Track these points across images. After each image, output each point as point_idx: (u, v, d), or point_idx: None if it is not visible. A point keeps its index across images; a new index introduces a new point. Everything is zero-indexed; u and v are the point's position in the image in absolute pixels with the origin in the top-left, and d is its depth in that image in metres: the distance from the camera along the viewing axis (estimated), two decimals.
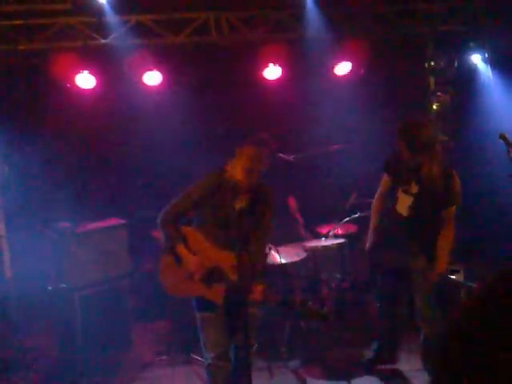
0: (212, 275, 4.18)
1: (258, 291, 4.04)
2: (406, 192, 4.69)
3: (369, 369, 5.29)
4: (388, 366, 5.29)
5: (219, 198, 4.22)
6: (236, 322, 4.25)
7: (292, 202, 6.61)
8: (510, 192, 5.05)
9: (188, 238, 4.28)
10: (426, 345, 4.85)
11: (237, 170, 4.14)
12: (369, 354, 5.37)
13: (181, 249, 4.21)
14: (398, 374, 5.24)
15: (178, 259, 4.23)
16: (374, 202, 5.03)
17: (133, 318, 6.19)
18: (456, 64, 7.42)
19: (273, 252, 5.75)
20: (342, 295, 6.02)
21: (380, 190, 5.00)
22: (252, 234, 4.21)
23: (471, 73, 7.39)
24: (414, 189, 4.66)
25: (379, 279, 5.09)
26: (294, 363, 5.59)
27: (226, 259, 4.15)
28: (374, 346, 5.30)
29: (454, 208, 4.65)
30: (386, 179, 4.94)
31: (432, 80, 7.59)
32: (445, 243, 4.66)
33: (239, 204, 4.25)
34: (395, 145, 4.65)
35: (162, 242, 4.35)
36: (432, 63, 7.50)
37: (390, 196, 4.89)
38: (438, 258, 4.64)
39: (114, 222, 6.09)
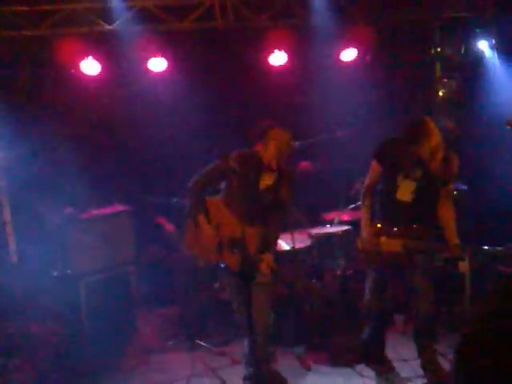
0: (231, 244, 4.46)
1: (267, 260, 4.41)
2: (408, 178, 4.72)
3: (363, 357, 5.31)
4: (377, 354, 5.29)
5: (248, 173, 4.56)
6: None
7: (306, 165, 6.61)
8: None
9: (211, 209, 4.62)
10: (420, 321, 4.90)
11: (269, 151, 4.52)
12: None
13: (201, 219, 4.56)
14: (388, 362, 5.26)
15: (198, 228, 4.57)
16: (364, 192, 4.97)
17: (138, 304, 6.23)
18: (463, 50, 7.36)
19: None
20: (346, 282, 6.01)
21: (369, 179, 4.95)
22: (272, 211, 4.57)
23: (478, 59, 7.33)
24: (418, 174, 4.70)
25: (371, 270, 5.06)
26: (299, 349, 5.61)
27: (246, 231, 4.43)
28: (364, 336, 5.30)
29: (452, 185, 4.83)
30: (375, 168, 4.89)
31: (438, 66, 7.53)
32: (449, 219, 4.76)
33: (265, 182, 4.60)
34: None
35: (186, 208, 4.68)
36: (438, 50, 7.44)
37: (385, 185, 4.87)
38: (448, 232, 4.72)
39: (118, 208, 6.10)
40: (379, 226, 4.81)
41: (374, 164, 4.90)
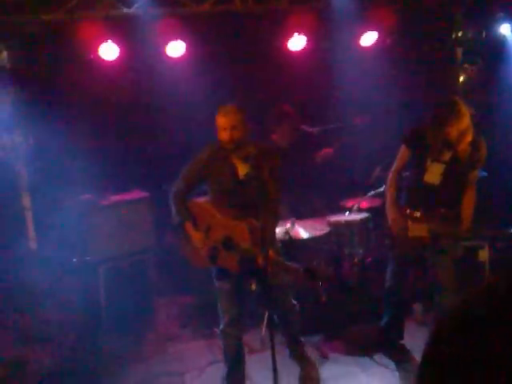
0: (225, 245, 4.30)
1: (267, 257, 4.05)
2: (437, 160, 4.71)
3: (381, 345, 5.32)
4: (396, 343, 5.33)
5: (221, 166, 4.38)
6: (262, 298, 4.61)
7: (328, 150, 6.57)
8: None
9: (198, 212, 4.49)
10: (441, 311, 4.88)
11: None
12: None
13: (187, 226, 4.46)
14: (406, 351, 5.26)
15: (187, 236, 4.48)
16: (391, 177, 4.98)
17: (156, 291, 6.25)
18: (484, 35, 7.25)
19: (295, 226, 5.72)
20: (364, 270, 5.99)
21: (397, 164, 4.96)
22: (260, 200, 4.26)
23: (500, 44, 7.21)
24: (446, 156, 4.70)
25: (395, 254, 5.06)
26: (316, 338, 5.60)
27: (236, 227, 4.28)
28: (382, 323, 5.32)
29: (476, 172, 4.80)
30: (404, 153, 4.91)
31: (459, 51, 7.43)
32: (469, 205, 4.75)
33: (244, 170, 4.36)
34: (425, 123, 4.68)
35: (173, 218, 4.54)
36: (459, 34, 7.33)
37: (414, 168, 4.87)
38: (464, 216, 4.73)
39: (137, 194, 6.10)
40: (407, 210, 4.79)
41: (403, 148, 4.90)
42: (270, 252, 4.08)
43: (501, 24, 7.11)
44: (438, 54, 7.40)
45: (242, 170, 4.37)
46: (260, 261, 4.09)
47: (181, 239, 4.58)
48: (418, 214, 4.76)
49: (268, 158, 4.35)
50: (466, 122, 4.55)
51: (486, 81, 7.29)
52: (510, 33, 7.13)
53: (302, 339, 4.90)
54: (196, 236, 4.43)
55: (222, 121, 4.29)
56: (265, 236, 4.18)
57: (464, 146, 4.60)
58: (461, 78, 7.34)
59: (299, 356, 4.91)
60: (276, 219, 4.62)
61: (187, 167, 4.50)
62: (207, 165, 4.41)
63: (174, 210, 4.50)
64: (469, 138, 4.60)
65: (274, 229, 4.64)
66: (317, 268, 5.67)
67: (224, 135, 4.28)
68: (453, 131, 4.53)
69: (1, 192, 5.81)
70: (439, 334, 1.23)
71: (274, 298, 4.49)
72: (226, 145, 4.31)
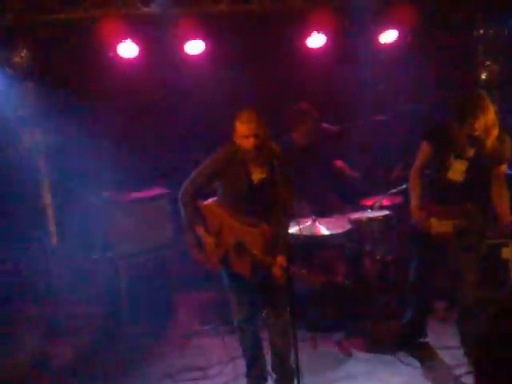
0: (237, 249, 4.25)
1: (278, 265, 4.09)
2: (460, 157, 4.65)
3: (403, 343, 5.27)
4: (419, 340, 5.29)
5: (235, 170, 4.29)
6: (264, 292, 4.48)
7: (340, 164, 6.51)
8: None
9: (209, 214, 4.41)
10: (464, 306, 4.88)
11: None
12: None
13: (198, 229, 4.39)
14: (429, 349, 5.23)
15: (197, 238, 4.40)
16: (413, 174, 4.94)
17: (176, 287, 6.23)
18: (506, 32, 7.17)
19: (316, 223, 5.68)
20: (385, 268, 5.93)
21: (419, 161, 4.91)
22: (272, 206, 4.23)
23: None
24: (470, 152, 4.63)
25: (418, 251, 5.03)
26: (338, 335, 5.56)
27: (247, 233, 4.22)
28: (405, 319, 5.27)
29: (505, 166, 4.71)
30: (426, 150, 4.86)
31: (481, 48, 7.35)
32: (503, 199, 4.70)
33: (258, 175, 4.30)
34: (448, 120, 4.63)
35: (182, 219, 4.46)
36: (481, 31, 7.25)
37: (436, 165, 4.80)
38: (501, 211, 4.66)
39: (157, 191, 6.10)
40: (430, 207, 4.75)
41: (425, 145, 4.85)
42: (282, 260, 4.09)
43: None
44: (459, 51, 7.31)
45: (256, 175, 4.31)
46: (275, 270, 4.11)
47: (190, 243, 4.48)
48: (442, 211, 4.71)
49: (278, 160, 4.23)
50: (492, 115, 4.49)
51: (509, 78, 7.20)
52: None
53: (291, 364, 4.43)
54: (207, 240, 4.37)
55: (243, 128, 4.17)
56: (277, 243, 4.19)
57: (490, 140, 4.54)
58: (483, 76, 7.25)
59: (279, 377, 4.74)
60: (288, 223, 4.54)
61: (200, 168, 4.41)
62: (222, 167, 4.33)
63: (182, 211, 4.43)
64: (495, 132, 4.54)
65: (287, 234, 4.54)
66: (332, 279, 5.63)
67: (246, 143, 4.17)
68: (479, 124, 4.46)
69: (22, 188, 5.83)
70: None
71: (276, 306, 4.46)
72: (246, 153, 4.20)
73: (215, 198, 4.48)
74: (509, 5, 6.95)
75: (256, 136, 4.15)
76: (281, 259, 4.11)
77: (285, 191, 4.20)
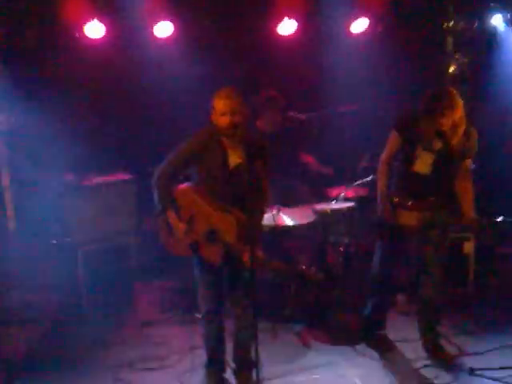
0: (209, 236, 4.19)
1: (251, 255, 3.97)
2: (427, 149, 4.67)
3: (363, 335, 5.29)
4: (379, 332, 5.30)
5: (212, 154, 4.21)
6: (233, 282, 4.42)
7: (311, 160, 6.48)
8: None
9: (182, 199, 4.31)
10: (426, 299, 4.92)
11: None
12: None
13: (170, 214, 4.27)
14: (388, 341, 5.27)
15: (169, 224, 4.29)
16: (381, 164, 4.92)
17: (137, 275, 6.17)
18: (476, 25, 7.17)
19: (280, 213, 5.65)
20: (348, 259, 5.93)
21: (387, 151, 4.90)
22: (249, 193, 4.11)
23: (491, 35, 7.14)
24: (438, 145, 4.64)
25: (382, 242, 5.02)
26: (299, 326, 5.55)
27: (222, 220, 4.17)
28: (365, 311, 5.28)
29: (470, 161, 4.76)
30: (395, 140, 4.85)
31: (450, 41, 7.35)
32: (467, 193, 4.74)
33: (234, 160, 4.23)
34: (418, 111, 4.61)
35: (155, 203, 4.34)
36: (451, 24, 7.25)
37: (404, 156, 4.80)
38: (465, 206, 4.70)
39: (121, 176, 6.00)
40: (396, 199, 4.75)
41: (394, 135, 4.84)
42: (257, 250, 4.05)
43: (492, 15, 7.03)
44: (428, 43, 7.30)
45: (234, 159, 4.23)
46: (246, 258, 4.05)
47: (161, 227, 4.39)
48: (409, 203, 4.71)
49: (261, 151, 4.18)
50: (460, 112, 4.51)
51: (477, 71, 7.22)
52: (501, 24, 7.07)
53: (253, 356, 4.28)
54: (178, 226, 4.27)
55: (221, 105, 4.10)
56: (252, 232, 4.11)
57: (457, 137, 4.56)
58: (451, 68, 7.26)
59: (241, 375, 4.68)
60: (263, 214, 4.55)
61: (177, 150, 4.29)
62: (199, 149, 4.23)
63: (156, 194, 4.30)
64: (462, 128, 4.56)
65: (261, 224, 4.52)
66: (306, 271, 5.61)
67: (224, 120, 4.10)
68: (447, 122, 4.48)
69: None
70: None
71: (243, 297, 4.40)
72: (225, 130, 4.13)
73: (190, 183, 4.38)
74: None
75: (233, 113, 4.09)
76: (255, 248, 4.03)
77: (265, 183, 4.21)
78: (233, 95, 4.13)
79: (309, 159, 6.49)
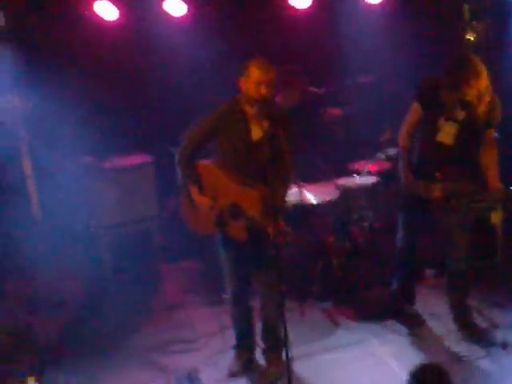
0: (232, 212, 4.13)
1: (277, 230, 3.91)
2: (450, 119, 4.55)
3: (391, 311, 5.24)
4: (408, 308, 5.24)
5: (233, 128, 4.15)
6: (259, 261, 4.35)
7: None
8: None
9: (205, 175, 4.25)
10: (454, 272, 4.85)
11: (250, 88, 4.05)
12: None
13: (193, 189, 4.23)
14: (417, 316, 5.20)
15: (191, 200, 4.25)
16: (402, 135, 4.83)
17: (162, 257, 6.15)
18: None
19: (303, 190, 5.58)
20: (373, 234, 5.88)
21: (409, 122, 4.78)
22: (272, 167, 4.03)
23: (508, 2, 6.98)
24: (461, 115, 4.53)
25: (405, 216, 4.94)
26: (326, 303, 5.51)
27: (245, 195, 4.11)
28: (393, 286, 5.23)
29: (493, 130, 4.64)
30: (416, 111, 4.72)
31: (467, 8, 7.20)
32: (492, 163, 4.64)
33: (256, 134, 4.14)
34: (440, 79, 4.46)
35: (178, 179, 4.33)
36: None
37: (426, 127, 4.69)
38: (490, 176, 4.61)
39: (141, 159, 5.96)
40: (420, 170, 4.67)
41: (415, 106, 4.71)
42: (281, 223, 3.98)
43: None
44: (445, 11, 7.16)
45: (257, 132, 4.14)
46: (271, 231, 3.95)
47: (184, 204, 4.37)
48: (436, 174, 4.61)
49: (284, 124, 4.13)
50: (484, 81, 4.35)
51: (494, 40, 7.07)
52: None
53: (281, 334, 4.08)
54: (202, 200, 4.22)
55: (258, 73, 4.00)
56: (276, 206, 4.02)
57: (483, 106, 4.42)
58: (468, 36, 7.12)
59: (270, 354, 4.64)
60: (287, 188, 4.48)
61: (199, 124, 4.23)
62: (221, 123, 4.17)
63: (179, 170, 4.27)
64: (488, 97, 4.41)
65: (285, 198, 4.43)
66: (330, 243, 5.55)
67: (259, 89, 4.00)
68: (471, 91, 4.32)
69: (1, 157, 5.64)
70: None
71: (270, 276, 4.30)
72: (255, 100, 4.02)
73: (212, 159, 4.32)
74: None
75: (269, 85, 4.03)
76: (279, 222, 3.97)
77: (287, 152, 4.09)
78: (271, 67, 4.06)
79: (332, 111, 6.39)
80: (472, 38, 7.13)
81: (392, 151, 5.94)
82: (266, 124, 4.09)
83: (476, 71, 4.32)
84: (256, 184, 4.11)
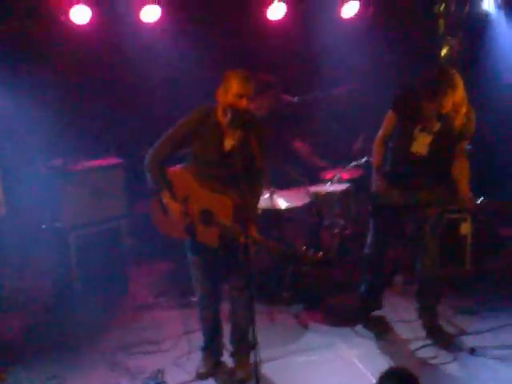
0: (203, 218, 4.09)
1: (248, 238, 3.91)
2: (425, 130, 4.59)
3: (360, 315, 5.24)
4: (376, 313, 5.26)
5: (207, 135, 4.11)
6: (229, 264, 4.33)
7: (303, 147, 6.41)
8: None
9: (176, 180, 4.23)
10: (424, 279, 4.88)
11: (228, 97, 4.00)
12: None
13: (165, 195, 4.17)
14: (385, 322, 5.23)
15: (162, 205, 4.20)
16: (377, 142, 4.86)
17: (130, 259, 6.09)
18: (468, 8, 7.13)
19: (275, 196, 5.58)
20: (344, 241, 5.88)
21: (384, 130, 4.83)
22: (245, 174, 4.02)
23: (483, 18, 7.11)
24: (436, 127, 4.57)
25: (376, 222, 4.95)
26: (296, 308, 5.50)
27: (217, 201, 4.07)
28: (361, 291, 5.22)
29: (466, 142, 4.68)
30: (392, 119, 4.76)
31: (442, 23, 7.31)
32: (463, 173, 4.66)
33: (230, 141, 4.11)
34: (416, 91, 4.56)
35: (149, 184, 4.26)
36: (442, 7, 7.20)
37: (401, 136, 4.72)
38: (461, 186, 4.62)
39: (110, 160, 5.91)
40: (392, 178, 4.70)
41: (391, 114, 4.76)
42: (253, 231, 4.00)
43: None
44: (421, 25, 7.25)
45: (230, 142, 4.11)
46: (242, 240, 3.92)
47: (154, 209, 4.32)
48: (404, 183, 4.64)
49: (257, 132, 4.12)
50: (461, 93, 4.43)
51: (469, 55, 7.18)
52: (492, 9, 7.04)
53: (250, 338, 4.08)
54: (173, 206, 4.17)
55: (240, 87, 3.96)
56: (248, 213, 4.02)
57: (459, 118, 4.49)
58: (443, 51, 7.21)
59: (239, 357, 4.60)
60: (260, 196, 4.48)
61: (172, 130, 4.18)
62: (195, 130, 4.12)
63: (150, 175, 4.20)
64: (464, 109, 4.48)
65: (257, 206, 4.41)
66: (304, 252, 5.52)
67: (241, 102, 3.98)
68: (448, 104, 4.40)
69: None
70: None
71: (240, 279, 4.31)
72: (233, 112, 3.97)
73: (184, 165, 4.29)
74: None
75: (250, 98, 4.03)
76: (252, 229, 3.99)
77: (260, 160, 4.09)
78: (251, 79, 4.03)
79: (301, 147, 6.42)
80: (446, 52, 7.22)
81: (364, 159, 5.96)
82: (239, 133, 4.09)
83: (453, 83, 4.38)
84: (228, 191, 4.09)
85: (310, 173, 6.45)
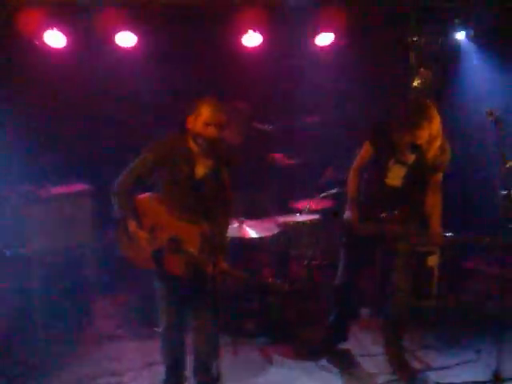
0: (171, 246, 4.03)
1: (216, 268, 3.88)
2: (400, 162, 4.61)
3: (325, 348, 5.20)
4: (341, 347, 5.23)
5: (178, 163, 4.08)
6: (195, 295, 4.25)
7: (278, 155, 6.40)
8: (491, 171, 4.95)
9: (144, 208, 4.16)
10: (393, 313, 4.85)
11: (198, 127, 4.01)
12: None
13: (131, 224, 4.09)
14: (350, 356, 5.19)
15: (129, 233, 4.12)
16: (352, 173, 4.86)
17: (94, 289, 6.00)
18: (440, 41, 7.20)
19: (244, 225, 5.55)
20: (311, 272, 5.85)
21: (359, 161, 4.84)
22: (215, 204, 4.04)
23: (455, 50, 7.19)
24: (410, 159, 4.60)
25: (347, 254, 4.94)
26: (261, 340, 5.44)
27: (185, 230, 4.02)
28: (328, 323, 5.19)
29: (441, 175, 4.69)
30: (368, 151, 4.78)
31: (413, 55, 7.36)
32: (436, 207, 4.69)
33: (201, 170, 4.10)
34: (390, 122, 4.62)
35: (115, 212, 4.18)
36: (415, 38, 7.26)
37: (375, 168, 4.75)
38: (433, 220, 4.66)
39: (78, 187, 5.86)
40: (384, 214, 4.65)
41: (367, 146, 4.77)
42: (221, 261, 3.96)
43: (457, 31, 7.08)
44: (393, 57, 7.30)
45: (201, 170, 4.11)
46: (210, 269, 3.88)
47: (120, 237, 4.24)
48: (377, 215, 4.62)
49: (228, 160, 4.12)
50: (437, 126, 4.46)
51: (441, 87, 7.23)
52: (465, 40, 7.12)
53: (214, 371, 4.11)
54: (140, 235, 4.09)
55: (210, 115, 3.97)
56: (216, 243, 4.01)
57: (433, 150, 4.52)
58: (415, 83, 7.25)
59: None
60: (228, 225, 4.44)
61: (142, 157, 4.12)
62: (165, 156, 4.08)
63: (116, 203, 4.13)
64: (438, 142, 4.52)
65: (226, 235, 4.37)
66: (271, 283, 5.50)
67: (208, 130, 3.97)
68: (423, 135, 4.44)
69: None
70: None
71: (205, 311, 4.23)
72: (199, 143, 4.00)
73: (152, 193, 4.23)
74: (443, 14, 6.99)
75: (220, 126, 4.01)
76: (220, 259, 3.95)
77: (229, 189, 4.09)
78: (222, 108, 4.03)
79: (276, 155, 6.41)
80: (417, 83, 7.25)
81: (334, 190, 5.96)
82: (210, 162, 4.08)
83: (428, 115, 4.42)
84: (196, 219, 4.05)
85: (280, 202, 6.45)
